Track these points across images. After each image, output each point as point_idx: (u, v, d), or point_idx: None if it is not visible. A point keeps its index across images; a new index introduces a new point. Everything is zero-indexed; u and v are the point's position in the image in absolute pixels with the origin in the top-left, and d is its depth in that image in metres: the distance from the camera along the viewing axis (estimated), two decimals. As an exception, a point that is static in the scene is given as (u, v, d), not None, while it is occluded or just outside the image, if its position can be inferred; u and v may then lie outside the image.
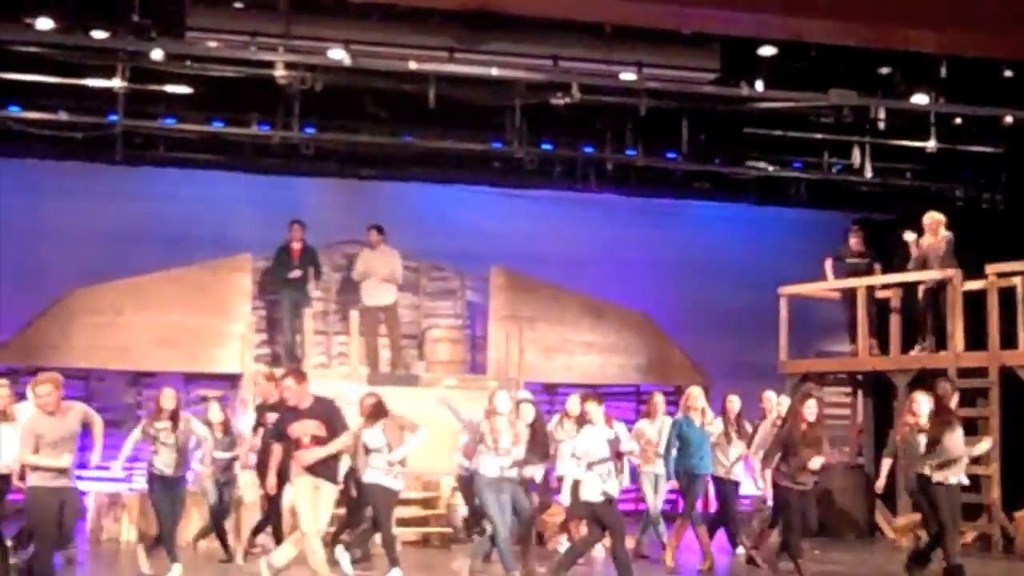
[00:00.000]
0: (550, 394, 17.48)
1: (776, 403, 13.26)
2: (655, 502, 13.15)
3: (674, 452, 12.53)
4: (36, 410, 9.91)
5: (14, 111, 15.87)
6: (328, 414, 10.41)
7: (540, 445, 12.04)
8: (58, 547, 10.09)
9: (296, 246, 16.63)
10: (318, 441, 10.21)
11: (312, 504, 10.24)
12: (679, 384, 15.83)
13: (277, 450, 10.50)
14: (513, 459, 11.63)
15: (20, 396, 11.61)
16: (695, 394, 12.74)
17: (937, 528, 11.55)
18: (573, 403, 13.04)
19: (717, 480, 12.98)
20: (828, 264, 16.43)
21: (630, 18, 14.41)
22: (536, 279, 17.61)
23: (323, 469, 10.32)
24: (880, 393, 16.72)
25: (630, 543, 13.01)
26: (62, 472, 9.65)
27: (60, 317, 16.36)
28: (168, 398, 11.79)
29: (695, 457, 12.47)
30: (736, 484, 13.19)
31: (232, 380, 16.44)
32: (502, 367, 16.78)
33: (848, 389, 17.59)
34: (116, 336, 16.26)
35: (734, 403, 13.30)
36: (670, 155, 17.49)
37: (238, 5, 13.99)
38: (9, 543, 11.12)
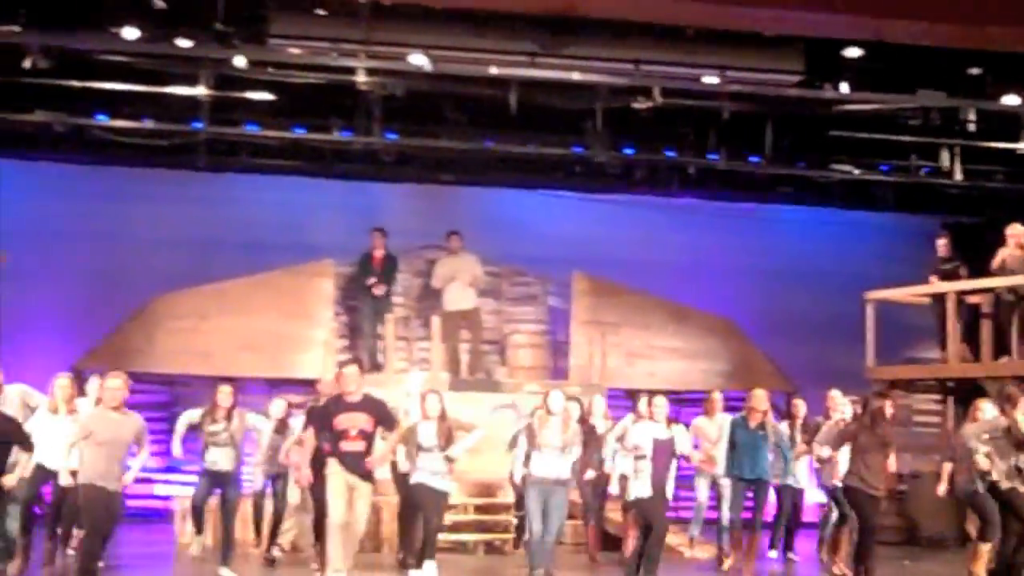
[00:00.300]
0: (633, 400, 17.30)
1: (841, 402, 13.00)
2: (722, 506, 12.98)
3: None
4: (96, 408, 10.04)
5: (101, 119, 16.06)
6: (378, 410, 10.51)
7: (592, 444, 12.21)
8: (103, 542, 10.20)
9: (378, 254, 16.67)
10: (364, 435, 10.26)
11: (343, 500, 10.27)
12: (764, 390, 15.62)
13: (310, 439, 10.43)
14: (568, 459, 11.60)
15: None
16: (757, 396, 12.51)
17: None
18: (643, 404, 12.94)
19: (779, 486, 12.77)
20: (933, 280, 16.05)
21: (712, 21, 14.23)
22: (618, 284, 17.51)
23: (360, 467, 10.32)
24: (971, 400, 16.32)
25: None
26: (109, 474, 9.74)
27: (145, 322, 16.57)
28: (225, 395, 11.87)
29: (742, 459, 12.25)
30: (797, 491, 13.00)
31: (314, 385, 16.47)
32: (584, 372, 16.70)
33: (938, 396, 17.23)
34: (200, 341, 16.42)
35: (799, 407, 13.11)
36: (753, 159, 17.24)
37: (320, 12, 14.01)
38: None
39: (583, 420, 12.80)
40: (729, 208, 18.56)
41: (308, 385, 16.54)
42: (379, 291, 16.61)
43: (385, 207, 17.78)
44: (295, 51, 14.35)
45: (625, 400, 16.94)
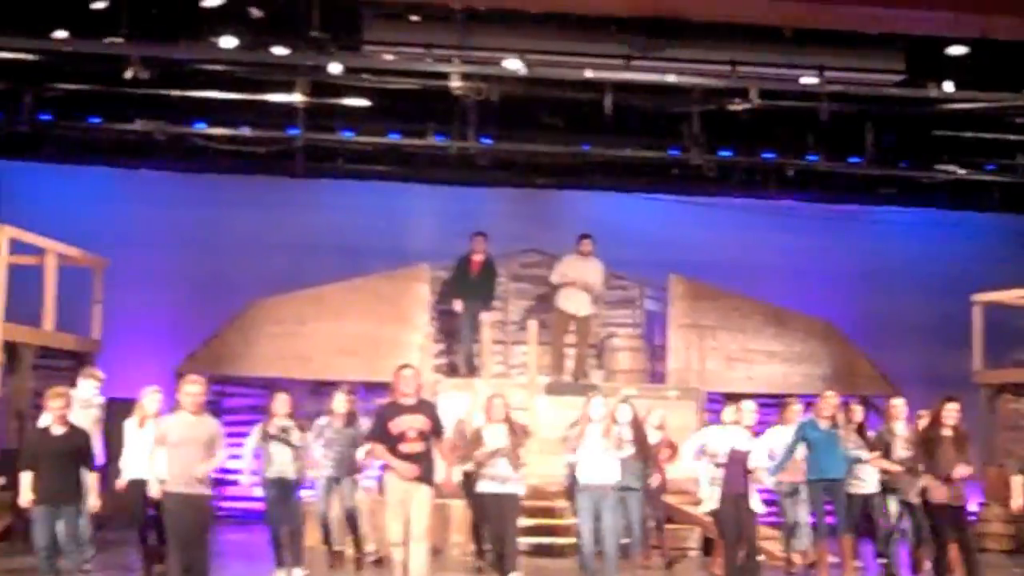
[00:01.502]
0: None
1: (904, 411, 12.68)
2: (793, 511, 12.70)
3: (799, 454, 12.03)
4: (174, 413, 10.12)
5: (199, 127, 16.30)
6: (433, 412, 10.42)
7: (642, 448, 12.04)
8: (188, 553, 10.10)
9: (477, 258, 16.60)
10: (422, 436, 10.19)
11: (399, 519, 10.20)
12: (866, 394, 15.38)
13: (379, 449, 10.34)
14: (615, 463, 11.44)
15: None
16: (828, 398, 12.14)
17: None
18: (730, 411, 12.70)
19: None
20: None
21: (811, 20, 14.00)
22: (716, 287, 17.30)
23: (424, 469, 10.24)
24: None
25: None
26: (188, 478, 9.77)
27: (244, 327, 16.73)
28: (281, 403, 11.87)
29: (821, 461, 11.89)
30: (868, 496, 12.68)
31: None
32: (682, 376, 16.56)
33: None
34: (298, 345, 16.53)
35: (856, 412, 12.81)
36: (854, 160, 16.95)
37: (414, 18, 14.02)
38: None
39: (637, 425, 12.52)
40: (829, 210, 18.30)
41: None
42: (458, 308, 16.51)
43: (480, 211, 17.75)
44: (390, 57, 14.39)
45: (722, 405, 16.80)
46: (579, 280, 16.20)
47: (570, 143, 16.83)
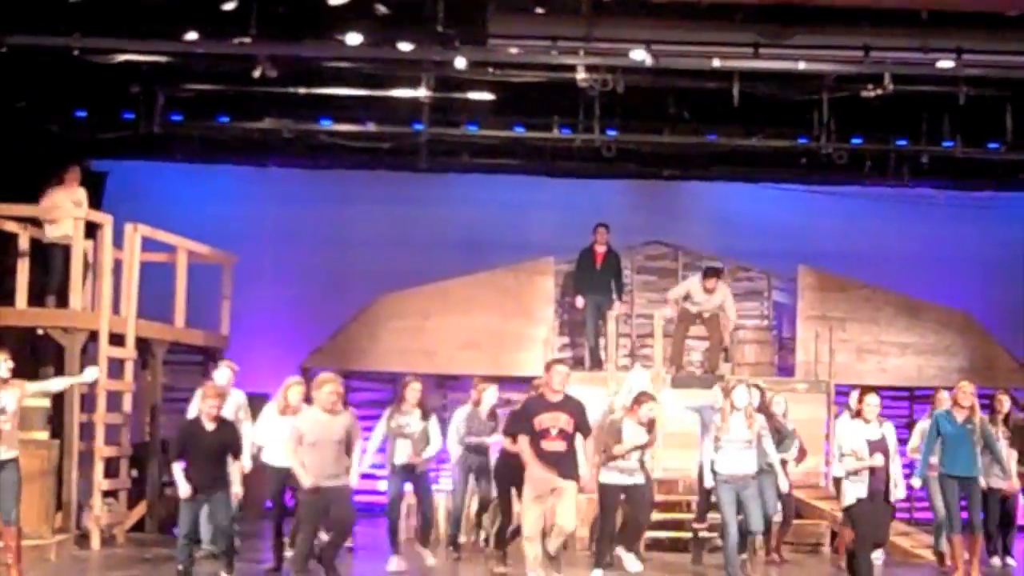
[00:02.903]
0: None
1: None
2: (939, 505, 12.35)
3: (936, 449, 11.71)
4: (308, 409, 10.32)
5: (325, 124, 16.40)
6: (579, 410, 10.33)
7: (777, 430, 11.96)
8: (335, 544, 10.31)
9: (600, 249, 16.43)
10: (564, 435, 10.12)
11: (539, 511, 10.15)
12: (1006, 386, 14.89)
13: (522, 443, 10.27)
14: (754, 452, 11.28)
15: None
16: (963, 388, 11.73)
17: None
18: (853, 399, 12.39)
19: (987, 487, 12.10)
20: None
21: (948, 2, 13.59)
22: (846, 278, 16.98)
23: (562, 467, 10.15)
24: None
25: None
26: (327, 473, 9.92)
27: (369, 322, 16.84)
28: (413, 391, 11.92)
29: (947, 456, 11.56)
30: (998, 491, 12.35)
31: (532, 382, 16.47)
32: (811, 369, 16.26)
33: None
34: (422, 340, 16.60)
35: (1003, 403, 12.37)
36: (992, 145, 16.42)
37: (539, 10, 13.90)
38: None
39: (768, 413, 12.32)
40: (966, 197, 17.79)
41: (528, 383, 16.62)
42: (580, 303, 16.34)
43: (606, 204, 17.59)
44: (514, 50, 14.29)
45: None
46: (705, 310, 15.72)
47: (696, 133, 16.57)
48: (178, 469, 10.44)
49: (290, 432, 10.32)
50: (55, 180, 14.05)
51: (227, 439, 10.66)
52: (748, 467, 11.27)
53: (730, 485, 11.19)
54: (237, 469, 11.32)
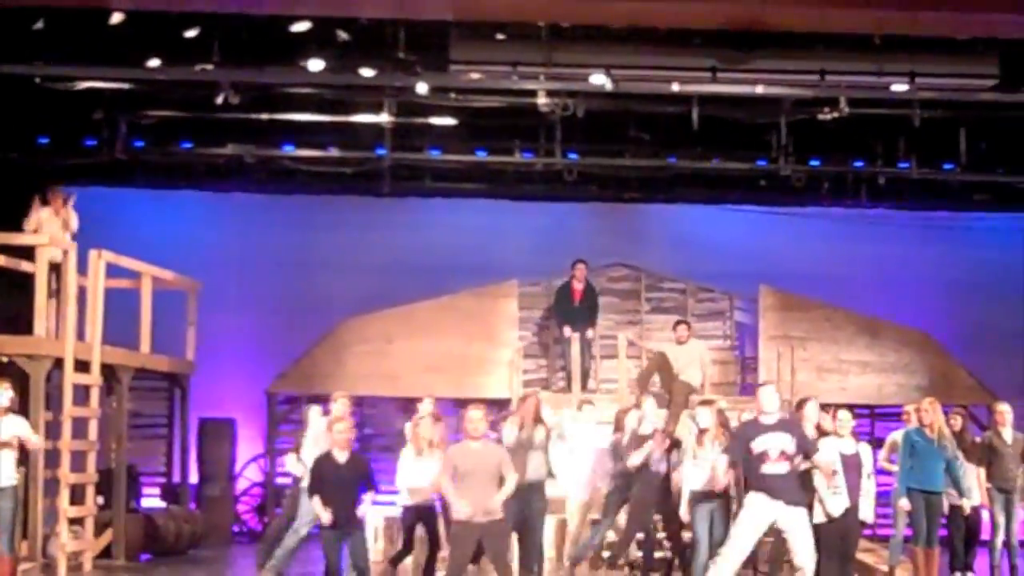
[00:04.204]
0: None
1: (1010, 417, 12.42)
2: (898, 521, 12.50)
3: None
4: (460, 442, 10.21)
5: (288, 150, 16.48)
6: (798, 430, 10.12)
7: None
8: None
9: (578, 286, 16.59)
10: (787, 457, 9.85)
11: (753, 534, 9.91)
12: (965, 404, 15.09)
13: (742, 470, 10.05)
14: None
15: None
16: (925, 406, 11.88)
17: None
18: (827, 420, 12.49)
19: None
20: None
21: (901, 27, 13.73)
22: (807, 298, 17.18)
23: (791, 492, 9.92)
24: None
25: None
26: (483, 508, 9.75)
27: (334, 346, 16.91)
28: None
29: (917, 471, 11.69)
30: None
31: (500, 405, 16.51)
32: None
33: None
34: (387, 364, 16.67)
35: (956, 421, 12.56)
36: (947, 166, 16.69)
37: (499, 36, 14.01)
38: None
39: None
40: (922, 217, 18.03)
41: (492, 405, 16.69)
42: (567, 333, 16.48)
43: (568, 227, 17.76)
44: (476, 76, 14.39)
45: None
46: (681, 372, 15.55)
47: (657, 157, 16.74)
48: (316, 503, 10.21)
49: (442, 464, 10.16)
50: (40, 200, 13.97)
51: (360, 472, 10.35)
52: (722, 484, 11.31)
53: (704, 503, 11.30)
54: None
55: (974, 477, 12.31)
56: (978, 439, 12.79)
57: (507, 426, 11.84)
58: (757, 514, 9.91)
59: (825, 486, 10.84)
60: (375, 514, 14.55)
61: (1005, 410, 12.46)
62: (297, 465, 11.75)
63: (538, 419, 11.83)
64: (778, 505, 9.84)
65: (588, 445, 12.95)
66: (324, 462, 10.37)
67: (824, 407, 13.20)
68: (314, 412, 12.05)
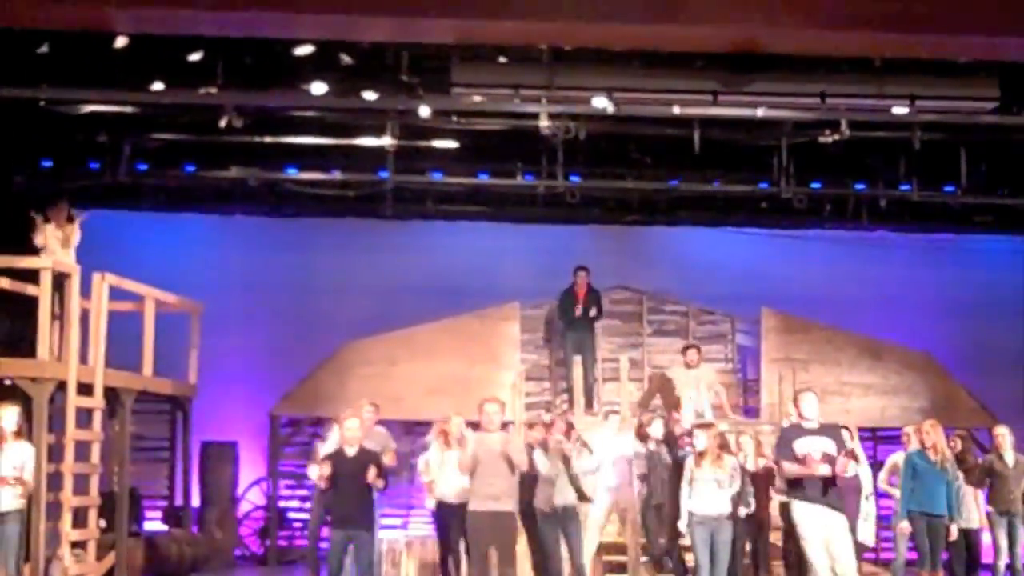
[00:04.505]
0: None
1: (1009, 439, 12.44)
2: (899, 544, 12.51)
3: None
4: (478, 432, 10.69)
5: (291, 172, 16.54)
6: (839, 435, 10.18)
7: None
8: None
9: (581, 292, 16.68)
10: (829, 459, 9.87)
11: (821, 542, 9.82)
12: (967, 426, 15.13)
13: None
14: (727, 493, 11.36)
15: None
16: (926, 428, 11.98)
17: None
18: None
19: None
20: None
21: (901, 50, 13.75)
22: (808, 320, 17.19)
23: (832, 497, 9.92)
24: None
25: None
26: (495, 496, 10.12)
27: (337, 368, 16.91)
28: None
29: (924, 494, 11.74)
30: (971, 531, 12.41)
31: (503, 428, 16.52)
32: (776, 410, 16.37)
33: None
34: (390, 386, 16.63)
35: (957, 443, 12.57)
36: (948, 188, 16.73)
37: (502, 59, 14.09)
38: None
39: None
40: (923, 240, 18.08)
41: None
42: (579, 312, 16.58)
43: (571, 249, 17.76)
44: (478, 99, 14.44)
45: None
46: (687, 395, 15.73)
47: (658, 179, 16.81)
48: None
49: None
50: (44, 217, 14.02)
51: (369, 461, 10.65)
52: (720, 508, 11.35)
53: (704, 526, 11.29)
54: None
55: (971, 499, 12.31)
56: (980, 461, 12.80)
57: (538, 455, 11.83)
58: (809, 523, 9.90)
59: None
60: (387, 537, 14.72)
61: (1004, 433, 12.48)
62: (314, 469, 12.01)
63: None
64: (820, 509, 9.85)
65: (612, 454, 13.07)
66: (334, 458, 10.68)
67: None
68: (336, 431, 12.09)
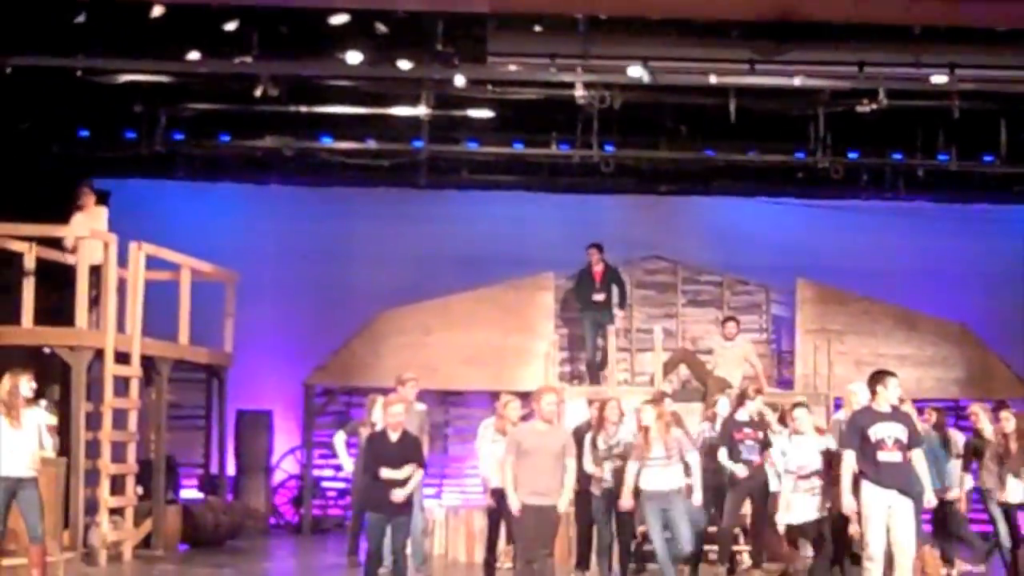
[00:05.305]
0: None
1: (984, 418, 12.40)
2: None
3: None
4: (527, 422, 10.42)
5: (326, 142, 16.57)
6: (909, 420, 10.13)
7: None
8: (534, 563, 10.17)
9: (597, 268, 16.60)
10: (901, 446, 9.83)
11: (882, 527, 9.76)
12: (1002, 398, 15.01)
13: (849, 458, 9.95)
14: (676, 468, 11.31)
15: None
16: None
17: None
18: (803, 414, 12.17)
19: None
20: None
21: (940, 18, 13.67)
22: (844, 291, 17.08)
23: (904, 481, 9.88)
24: None
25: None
26: (539, 488, 9.86)
27: (372, 338, 16.94)
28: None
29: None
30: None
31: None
32: (810, 381, 16.37)
33: None
34: (424, 356, 16.64)
35: (932, 416, 12.60)
36: (987, 158, 16.59)
37: (537, 28, 14.04)
38: None
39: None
40: (961, 210, 17.95)
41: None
42: (599, 298, 16.51)
43: (605, 219, 17.76)
44: (513, 68, 14.43)
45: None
46: (722, 367, 15.73)
47: (694, 149, 16.74)
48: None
49: (506, 443, 10.29)
50: (75, 207, 14.12)
51: (410, 452, 10.33)
52: (669, 483, 11.27)
53: (653, 501, 11.21)
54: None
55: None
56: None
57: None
58: (875, 505, 9.78)
59: (791, 488, 10.87)
60: (435, 507, 14.75)
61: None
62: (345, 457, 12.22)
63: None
64: (891, 494, 9.77)
65: None
66: (377, 441, 10.40)
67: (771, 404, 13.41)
68: (380, 405, 11.94)
